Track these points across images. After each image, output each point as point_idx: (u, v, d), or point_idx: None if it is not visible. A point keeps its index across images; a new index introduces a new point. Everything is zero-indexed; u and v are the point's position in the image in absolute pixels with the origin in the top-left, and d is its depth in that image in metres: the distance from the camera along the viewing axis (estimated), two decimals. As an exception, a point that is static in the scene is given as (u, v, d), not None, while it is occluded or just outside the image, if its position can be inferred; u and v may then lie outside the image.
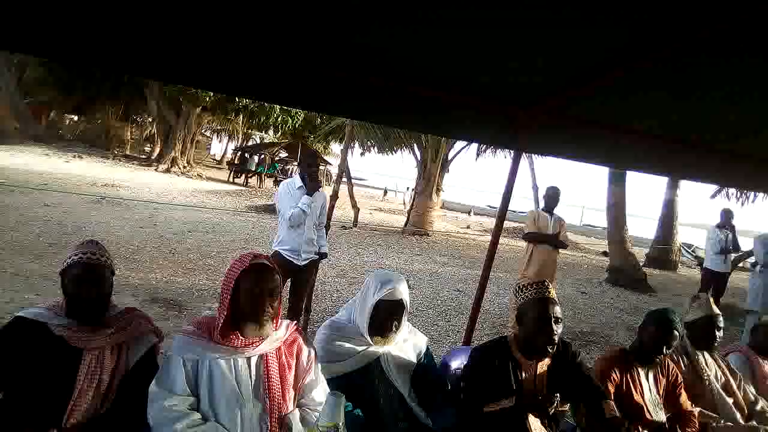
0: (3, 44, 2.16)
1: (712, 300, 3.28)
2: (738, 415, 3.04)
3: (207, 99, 25.46)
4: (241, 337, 2.10)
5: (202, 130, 38.16)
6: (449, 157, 18.49)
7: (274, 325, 2.19)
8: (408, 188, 37.03)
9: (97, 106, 32.10)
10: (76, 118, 36.55)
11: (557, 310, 2.48)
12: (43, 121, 32.06)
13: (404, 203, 34.25)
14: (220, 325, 2.08)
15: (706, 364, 3.19)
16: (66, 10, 2.10)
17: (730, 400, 3.09)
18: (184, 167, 28.66)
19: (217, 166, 41.33)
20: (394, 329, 2.51)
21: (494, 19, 1.97)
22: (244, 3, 2.02)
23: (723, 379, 3.20)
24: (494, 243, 3.52)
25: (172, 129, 28.37)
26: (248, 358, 2.11)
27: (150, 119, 35.24)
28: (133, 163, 27.80)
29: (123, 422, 2.05)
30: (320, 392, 2.24)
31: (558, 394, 2.37)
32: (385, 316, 2.47)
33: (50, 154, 23.43)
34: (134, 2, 2.05)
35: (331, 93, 2.79)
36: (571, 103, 2.91)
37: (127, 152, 32.70)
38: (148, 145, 37.81)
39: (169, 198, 17.17)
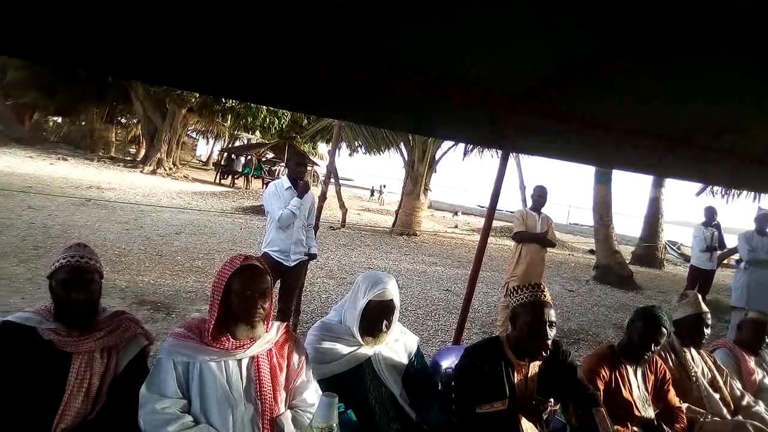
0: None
1: (700, 298, 3.32)
2: (725, 411, 3.08)
3: (193, 100, 25.34)
4: (231, 339, 2.10)
5: (188, 132, 37.93)
6: (437, 157, 18.51)
7: (265, 326, 2.20)
8: (382, 186, 37.24)
9: (82, 108, 31.77)
10: (59, 119, 36.16)
11: (552, 314, 2.49)
12: (26, 122, 31.66)
13: (380, 201, 34.44)
14: (211, 327, 2.08)
15: (694, 361, 3.23)
16: (49, 11, 2.07)
17: (717, 396, 3.13)
18: (170, 169, 28.47)
19: (203, 167, 41.11)
20: (384, 329, 2.51)
21: (478, 18, 1.97)
22: (228, 3, 2.00)
23: (710, 375, 3.24)
24: (483, 242, 3.53)
25: (157, 130, 28.16)
26: (239, 360, 2.11)
27: (135, 120, 34.94)
28: (118, 165, 27.56)
29: (113, 426, 2.04)
30: (312, 393, 2.24)
31: (552, 399, 2.39)
32: (376, 317, 2.47)
33: (34, 157, 23.18)
34: (117, 4, 2.03)
35: (315, 93, 2.79)
36: (556, 103, 2.92)
37: (112, 154, 32.42)
38: (134, 146, 37.53)
39: (155, 200, 17.06)
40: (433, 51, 2.41)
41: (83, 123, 34.42)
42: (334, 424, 1.71)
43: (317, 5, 1.97)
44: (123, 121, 39.08)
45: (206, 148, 51.83)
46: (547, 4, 1.82)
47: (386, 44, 2.36)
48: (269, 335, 2.21)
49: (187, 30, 2.27)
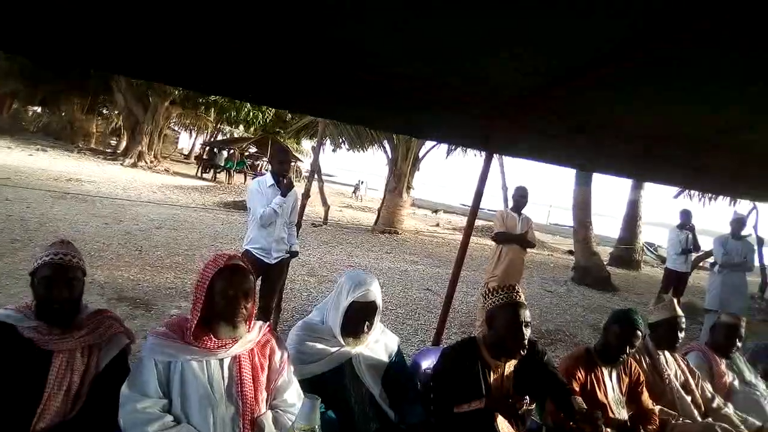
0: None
1: (675, 302, 3.40)
2: (696, 413, 3.16)
3: (176, 93, 25.10)
4: (214, 339, 2.11)
5: (170, 124, 37.53)
6: (420, 155, 18.56)
7: (248, 326, 2.20)
8: (360, 182, 36.99)
9: (63, 98, 31.30)
10: (39, 109, 35.57)
11: (527, 315, 2.56)
12: (5, 112, 31.10)
13: (358, 197, 34.23)
14: (193, 326, 2.08)
15: (667, 364, 3.31)
16: (31, 5, 2.06)
17: (688, 398, 3.21)
18: (151, 162, 28.14)
19: (185, 160, 40.70)
20: (366, 330, 2.54)
21: (466, 18, 1.99)
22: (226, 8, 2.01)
23: (682, 377, 3.31)
24: (465, 243, 3.57)
25: (139, 123, 27.82)
26: (221, 360, 2.12)
27: (116, 112, 34.47)
28: (98, 157, 27.21)
29: (94, 425, 2.04)
30: (293, 393, 2.26)
31: (528, 397, 2.44)
32: (358, 318, 2.50)
33: (12, 147, 22.79)
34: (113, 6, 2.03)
35: (301, 92, 2.79)
36: (542, 107, 2.96)
37: (93, 146, 31.98)
38: (114, 138, 37.04)
39: (136, 193, 16.88)
40: (423, 56, 2.43)
41: (63, 114, 33.90)
42: (317, 426, 1.73)
43: (308, 7, 1.98)
44: (104, 112, 38.54)
45: (188, 142, 51.35)
46: (536, 11, 1.84)
47: (375, 47, 2.37)
48: (251, 335, 2.22)
49: (174, 25, 2.27)
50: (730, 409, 3.30)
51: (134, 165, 26.49)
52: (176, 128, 45.96)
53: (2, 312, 2.08)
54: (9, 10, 2.03)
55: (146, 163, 27.55)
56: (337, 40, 2.37)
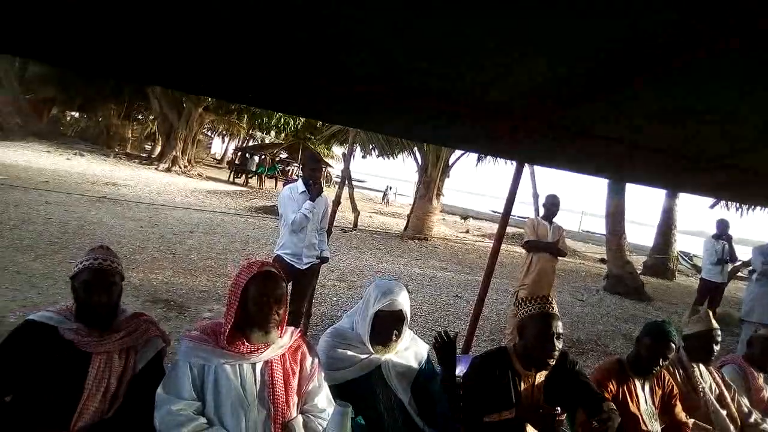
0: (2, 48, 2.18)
1: (711, 314, 3.33)
2: (732, 427, 3.09)
3: (209, 99, 25.52)
4: (246, 343, 2.15)
5: (204, 130, 38.18)
6: (450, 163, 18.51)
7: (279, 331, 2.24)
8: (388, 187, 36.90)
9: (100, 104, 32.11)
10: (77, 115, 36.53)
11: (559, 326, 2.53)
12: (44, 117, 32.01)
13: (387, 203, 34.18)
14: (227, 331, 2.13)
15: (702, 376, 3.24)
16: (65, 17, 2.12)
17: (724, 412, 3.14)
18: (185, 166, 28.67)
19: (217, 165, 41.38)
20: (394, 338, 2.55)
21: (491, 28, 1.98)
22: (238, 14, 2.03)
23: (717, 391, 3.24)
24: (495, 250, 3.55)
25: (173, 128, 28.39)
26: (253, 364, 2.16)
27: (151, 117, 35.25)
28: (134, 162, 27.82)
29: (130, 426, 2.10)
30: (323, 399, 2.28)
31: (559, 408, 2.42)
32: (386, 327, 2.51)
33: (51, 151, 23.41)
34: (131, 10, 2.07)
35: (323, 100, 2.80)
36: (568, 116, 2.93)
37: (128, 150, 32.72)
38: (149, 143, 37.84)
39: (170, 197, 17.21)
40: (450, 68, 2.43)
41: (100, 119, 34.77)
42: (348, 435, 1.75)
43: (335, 26, 1.99)
44: (140, 117, 39.43)
45: (221, 147, 52.21)
46: (559, 25, 1.84)
47: (402, 60, 2.38)
48: (283, 340, 2.26)
49: (201, 37, 2.30)
50: (768, 425, 3.22)
51: (168, 169, 27.01)
52: (209, 134, 46.75)
53: (44, 314, 2.16)
54: (43, 18, 2.10)
55: (180, 167, 28.08)
56: (364, 60, 2.38)
